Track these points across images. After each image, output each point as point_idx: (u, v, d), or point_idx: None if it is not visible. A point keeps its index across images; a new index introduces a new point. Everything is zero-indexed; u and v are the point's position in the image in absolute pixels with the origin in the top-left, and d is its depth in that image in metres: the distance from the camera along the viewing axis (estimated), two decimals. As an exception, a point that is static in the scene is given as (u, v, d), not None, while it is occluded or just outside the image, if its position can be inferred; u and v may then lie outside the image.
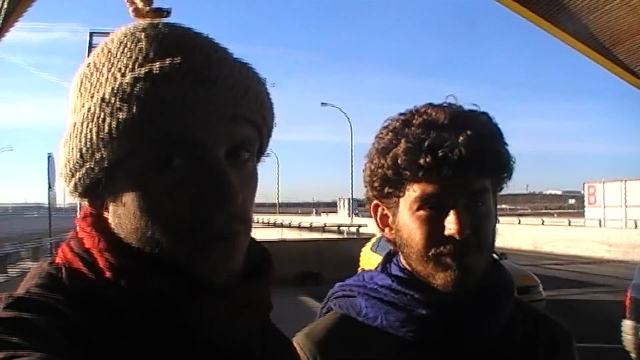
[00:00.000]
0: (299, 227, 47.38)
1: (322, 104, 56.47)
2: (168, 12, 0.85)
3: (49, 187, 18.63)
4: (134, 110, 0.72)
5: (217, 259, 0.76)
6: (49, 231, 20.39)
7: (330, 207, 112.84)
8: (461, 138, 1.15)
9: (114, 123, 0.72)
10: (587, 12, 12.13)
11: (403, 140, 1.20)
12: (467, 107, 1.26)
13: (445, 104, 1.26)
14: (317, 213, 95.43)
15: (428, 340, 1.22)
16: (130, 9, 0.85)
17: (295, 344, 1.23)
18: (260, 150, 0.87)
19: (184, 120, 0.73)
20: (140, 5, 0.85)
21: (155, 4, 0.86)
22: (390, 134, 1.24)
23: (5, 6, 9.76)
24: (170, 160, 0.74)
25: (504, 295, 1.28)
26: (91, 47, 9.51)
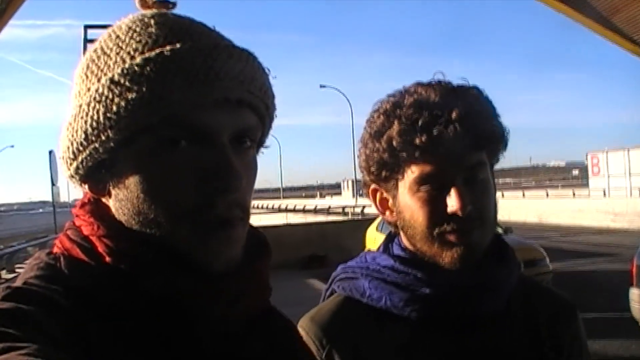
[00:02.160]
0: (304, 211, 47.55)
1: (321, 86, 56.60)
2: (173, 4, 0.86)
3: (52, 183, 18.66)
4: (144, 90, 0.73)
5: (216, 244, 0.77)
6: (54, 227, 20.47)
7: (334, 189, 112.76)
8: (454, 114, 1.15)
9: (122, 103, 0.74)
10: (584, -18, 12.04)
11: (396, 122, 1.19)
12: (455, 82, 1.26)
13: (434, 81, 1.26)
14: (322, 196, 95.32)
15: (432, 318, 1.22)
16: (137, 0, 0.86)
17: (300, 328, 1.24)
18: (260, 141, 0.88)
19: (192, 101, 0.74)
20: None
21: None
22: (382, 116, 1.23)
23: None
24: (176, 142, 0.75)
25: (506, 270, 1.28)
26: (86, 40, 9.50)
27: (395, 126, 1.19)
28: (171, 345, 0.76)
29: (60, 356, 0.62)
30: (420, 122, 1.16)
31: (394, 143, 1.18)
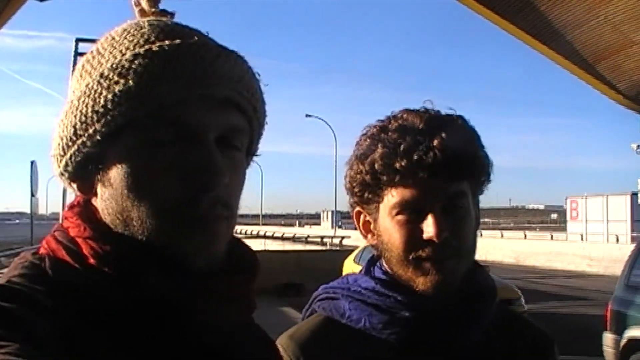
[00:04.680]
0: (282, 238, 47.27)
1: (307, 115, 56.36)
2: (172, 15, 0.88)
3: (32, 194, 18.48)
4: (130, 83, 0.74)
5: (198, 241, 0.77)
6: (30, 239, 20.20)
7: (314, 218, 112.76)
8: (436, 141, 1.17)
9: (109, 96, 0.75)
10: (571, 29, 12.26)
11: (380, 145, 1.21)
12: (444, 111, 1.28)
13: (422, 109, 1.27)
14: (301, 224, 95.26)
15: (411, 342, 1.22)
16: (136, 10, 0.89)
17: (278, 346, 1.23)
18: (250, 148, 0.88)
19: (177, 96, 0.75)
20: (145, 6, 0.88)
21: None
22: (368, 140, 1.25)
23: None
24: (160, 138, 0.76)
25: (486, 299, 1.28)
26: (77, 53, 9.51)
27: (379, 149, 1.21)
28: (153, 346, 0.75)
29: (42, 356, 0.62)
30: (402, 147, 1.18)
31: (376, 166, 1.20)
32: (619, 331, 7.28)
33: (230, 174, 0.79)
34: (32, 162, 17.69)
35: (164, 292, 0.75)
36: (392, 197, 1.21)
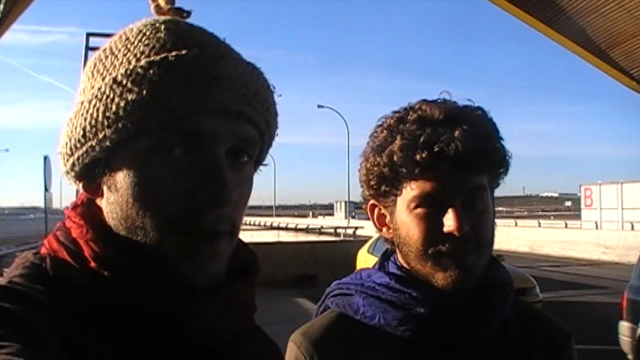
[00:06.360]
0: (296, 230, 47.34)
1: (319, 106, 56.52)
2: (188, 13, 0.86)
3: (45, 189, 18.56)
4: (144, 92, 0.73)
5: (200, 257, 0.76)
6: (44, 233, 20.33)
7: (327, 209, 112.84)
8: (457, 133, 1.15)
9: (122, 103, 0.73)
10: (584, 15, 12.16)
11: (398, 137, 1.19)
12: (461, 102, 1.25)
13: (439, 100, 1.25)
14: (314, 215, 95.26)
15: (426, 338, 1.21)
16: (152, 6, 0.87)
17: (291, 343, 1.23)
18: (258, 158, 0.87)
19: (191, 109, 0.74)
20: (162, 2, 0.86)
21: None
22: (385, 131, 1.23)
23: (1, 7, 9.75)
24: (171, 149, 0.75)
25: (502, 293, 1.27)
26: (88, 48, 9.53)
27: (398, 141, 1.18)
28: (153, 349, 0.75)
29: (42, 356, 0.62)
30: (422, 139, 1.16)
31: (395, 158, 1.18)
32: (635, 320, 7.24)
33: (238, 191, 0.78)
34: (45, 157, 17.72)
35: (163, 297, 0.75)
36: (411, 190, 1.19)
